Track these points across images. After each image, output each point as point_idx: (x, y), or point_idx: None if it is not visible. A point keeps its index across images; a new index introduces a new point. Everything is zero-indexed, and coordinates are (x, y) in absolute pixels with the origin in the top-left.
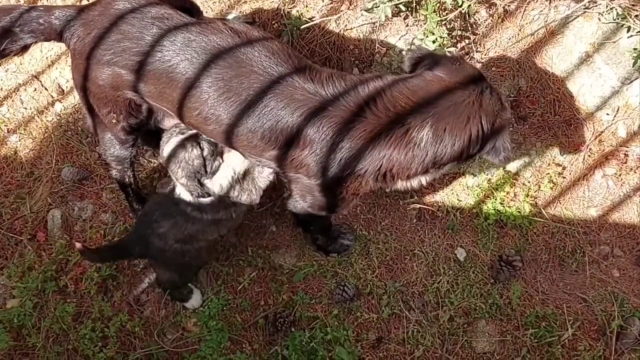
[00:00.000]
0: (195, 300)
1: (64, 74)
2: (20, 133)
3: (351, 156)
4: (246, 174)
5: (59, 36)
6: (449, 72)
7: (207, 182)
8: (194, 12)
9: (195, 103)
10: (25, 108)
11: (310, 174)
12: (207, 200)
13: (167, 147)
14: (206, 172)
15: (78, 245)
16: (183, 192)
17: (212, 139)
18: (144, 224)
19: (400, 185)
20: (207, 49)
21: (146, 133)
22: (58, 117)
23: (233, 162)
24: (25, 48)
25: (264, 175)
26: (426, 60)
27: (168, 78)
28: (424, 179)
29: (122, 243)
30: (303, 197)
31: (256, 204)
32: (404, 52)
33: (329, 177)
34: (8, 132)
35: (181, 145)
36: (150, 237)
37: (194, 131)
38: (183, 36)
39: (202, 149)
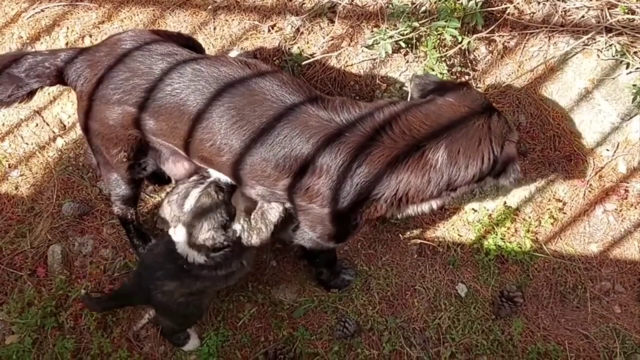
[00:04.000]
0: (192, 345)
1: (65, 110)
2: (22, 168)
3: (368, 181)
4: (248, 212)
5: (65, 79)
6: (458, 97)
7: (231, 227)
8: (197, 50)
9: (208, 134)
10: (27, 143)
11: (324, 203)
12: (223, 252)
13: (188, 201)
14: (230, 216)
15: (83, 292)
16: (196, 256)
17: (222, 173)
18: (145, 277)
19: (412, 210)
20: (218, 79)
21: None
22: (59, 153)
23: (238, 202)
24: (30, 94)
25: (274, 208)
26: (434, 87)
27: (180, 112)
28: (434, 204)
29: (122, 292)
30: (313, 228)
31: (267, 242)
32: (405, 87)
33: (344, 204)
34: (9, 167)
35: (205, 193)
36: (153, 292)
37: (212, 178)
38: (193, 69)
39: (224, 193)
